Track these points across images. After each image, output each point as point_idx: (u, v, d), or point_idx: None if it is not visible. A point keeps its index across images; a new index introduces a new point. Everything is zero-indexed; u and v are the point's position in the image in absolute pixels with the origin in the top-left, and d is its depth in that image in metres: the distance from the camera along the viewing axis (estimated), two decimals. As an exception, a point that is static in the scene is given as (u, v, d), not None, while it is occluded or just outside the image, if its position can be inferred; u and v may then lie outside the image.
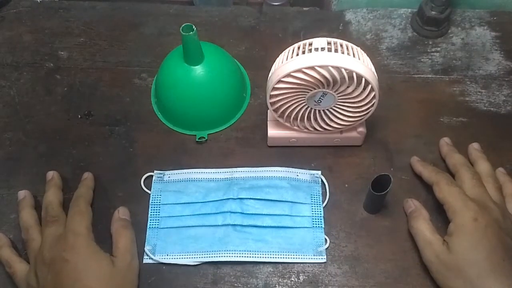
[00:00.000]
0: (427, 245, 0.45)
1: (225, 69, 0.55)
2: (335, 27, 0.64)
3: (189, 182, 0.52)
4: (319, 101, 0.47)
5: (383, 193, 0.45)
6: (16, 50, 0.63)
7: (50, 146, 0.55)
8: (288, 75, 0.44)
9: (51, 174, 0.51)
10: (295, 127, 0.51)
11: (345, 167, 0.53)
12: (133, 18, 0.65)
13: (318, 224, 0.49)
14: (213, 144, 0.55)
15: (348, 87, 0.45)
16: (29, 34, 0.64)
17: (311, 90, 0.46)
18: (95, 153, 0.54)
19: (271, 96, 0.47)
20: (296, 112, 0.49)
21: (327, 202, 0.51)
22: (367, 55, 0.46)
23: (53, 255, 0.43)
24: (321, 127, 0.50)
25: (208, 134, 0.55)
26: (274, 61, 0.47)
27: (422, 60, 0.61)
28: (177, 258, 0.48)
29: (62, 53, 0.62)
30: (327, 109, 0.48)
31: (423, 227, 0.46)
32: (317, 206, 0.50)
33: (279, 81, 0.45)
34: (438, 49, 0.62)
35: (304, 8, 0.67)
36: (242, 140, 0.55)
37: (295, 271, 0.47)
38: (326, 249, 0.48)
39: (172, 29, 0.64)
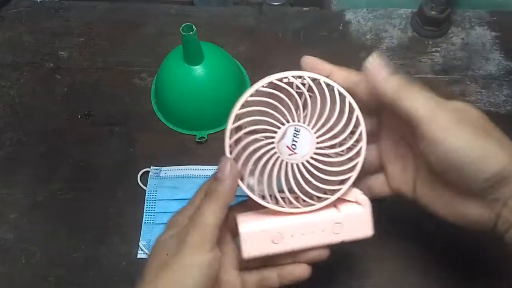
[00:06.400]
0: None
1: (225, 69, 0.55)
2: (335, 27, 0.64)
3: (185, 179, 0.52)
4: (294, 146, 0.34)
5: None
6: (16, 50, 0.63)
7: (50, 146, 0.55)
8: (256, 92, 0.34)
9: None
10: (268, 201, 0.35)
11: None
12: (133, 18, 0.65)
13: None
14: (213, 144, 0.55)
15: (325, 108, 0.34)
16: (29, 34, 0.64)
17: (281, 124, 0.34)
18: (95, 153, 0.54)
19: (232, 133, 0.35)
20: (264, 163, 0.34)
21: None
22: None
23: None
24: (296, 196, 0.35)
25: (208, 134, 0.55)
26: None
27: (422, 60, 0.61)
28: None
29: (62, 53, 0.62)
30: (305, 162, 0.34)
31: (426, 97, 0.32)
32: None
33: (244, 103, 0.34)
34: (438, 49, 0.62)
35: (304, 8, 0.67)
36: (242, 140, 0.55)
37: (295, 271, 0.47)
38: None
39: (172, 29, 0.64)
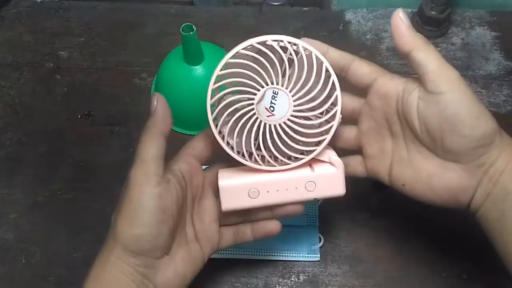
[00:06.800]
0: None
1: (225, 69, 0.55)
2: (335, 27, 0.64)
3: None
4: (272, 108, 0.35)
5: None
6: (16, 50, 0.63)
7: (50, 146, 0.55)
8: (237, 54, 0.36)
9: None
10: (246, 159, 0.37)
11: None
12: (133, 18, 0.65)
13: (313, 222, 0.49)
14: (213, 144, 0.55)
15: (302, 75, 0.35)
16: (29, 34, 0.64)
17: (260, 86, 0.35)
18: (95, 153, 0.54)
19: (213, 94, 0.35)
20: (243, 123, 0.35)
21: (323, 201, 0.51)
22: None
23: None
24: (273, 155, 0.36)
25: (208, 134, 0.55)
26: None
27: (422, 60, 0.61)
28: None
29: (62, 53, 0.62)
30: (282, 124, 0.35)
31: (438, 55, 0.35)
32: (313, 205, 0.50)
33: (226, 64, 0.36)
34: (438, 49, 0.62)
35: (304, 8, 0.67)
36: (242, 140, 0.55)
37: (295, 271, 0.47)
38: (320, 247, 0.48)
39: (172, 29, 0.64)
